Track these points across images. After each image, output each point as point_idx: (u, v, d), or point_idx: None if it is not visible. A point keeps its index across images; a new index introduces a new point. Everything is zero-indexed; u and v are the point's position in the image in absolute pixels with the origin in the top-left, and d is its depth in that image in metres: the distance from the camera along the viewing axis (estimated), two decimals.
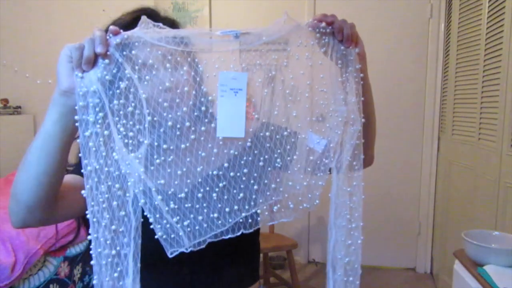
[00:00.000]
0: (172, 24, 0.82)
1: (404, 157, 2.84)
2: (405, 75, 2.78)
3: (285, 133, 0.71)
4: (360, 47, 0.76)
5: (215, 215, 0.65)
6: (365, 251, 2.82)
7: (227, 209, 0.65)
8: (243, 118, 0.64)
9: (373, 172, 2.87)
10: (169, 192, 0.62)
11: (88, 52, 0.59)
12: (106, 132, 0.59)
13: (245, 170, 0.67)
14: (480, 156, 1.95)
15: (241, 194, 0.67)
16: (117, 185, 0.60)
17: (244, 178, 0.67)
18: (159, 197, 0.61)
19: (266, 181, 0.69)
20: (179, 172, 0.63)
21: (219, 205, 0.65)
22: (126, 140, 0.60)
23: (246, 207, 0.67)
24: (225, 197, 0.66)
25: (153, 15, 0.80)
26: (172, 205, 0.62)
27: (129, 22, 0.78)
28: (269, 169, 0.69)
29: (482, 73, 1.93)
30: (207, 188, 0.65)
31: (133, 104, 0.60)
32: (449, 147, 2.47)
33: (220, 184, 0.66)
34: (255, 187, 0.68)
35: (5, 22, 3.01)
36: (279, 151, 0.70)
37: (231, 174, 0.66)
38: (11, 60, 3.02)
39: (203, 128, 0.65)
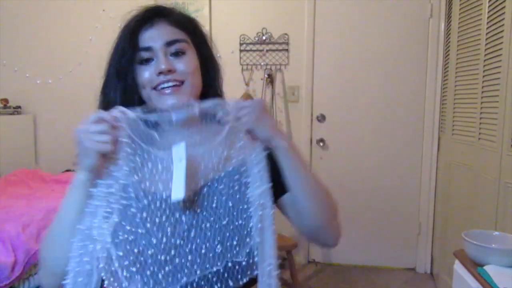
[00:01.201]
0: (188, 20, 0.85)
1: (404, 157, 2.84)
2: (405, 75, 2.78)
3: (224, 222, 0.76)
4: (267, 137, 0.77)
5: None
6: (365, 251, 2.84)
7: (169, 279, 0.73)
8: (184, 181, 0.73)
9: (373, 172, 2.88)
10: (125, 263, 0.71)
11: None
12: (97, 203, 0.73)
13: (190, 257, 0.74)
14: (480, 156, 1.95)
15: (186, 271, 0.74)
16: (91, 246, 0.71)
17: (188, 264, 0.74)
18: (116, 264, 0.71)
19: (207, 265, 0.74)
20: (135, 250, 0.72)
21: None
22: (105, 214, 0.72)
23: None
24: (170, 279, 0.73)
25: (166, 12, 0.82)
26: (125, 273, 0.72)
27: (142, 19, 0.80)
28: (211, 255, 0.75)
29: (482, 73, 1.93)
30: (155, 269, 0.73)
31: (115, 187, 0.73)
32: (449, 147, 2.47)
33: (167, 268, 0.73)
34: (198, 272, 0.74)
35: (5, 22, 3.02)
36: (219, 238, 0.75)
37: (177, 260, 0.73)
38: (11, 60, 3.02)
39: (157, 220, 0.74)
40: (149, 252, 0.73)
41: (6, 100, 2.94)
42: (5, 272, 1.50)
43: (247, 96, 2.90)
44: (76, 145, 0.70)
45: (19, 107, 3.00)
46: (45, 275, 0.78)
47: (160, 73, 0.78)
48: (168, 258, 0.74)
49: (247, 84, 2.93)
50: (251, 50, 2.92)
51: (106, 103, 0.82)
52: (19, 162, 2.86)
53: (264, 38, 2.89)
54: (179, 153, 0.75)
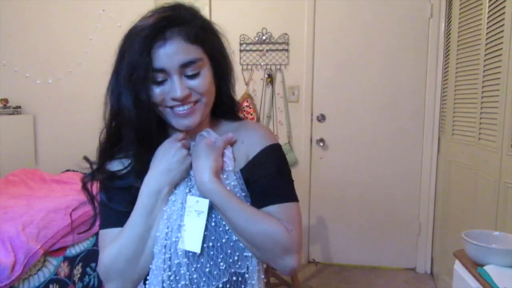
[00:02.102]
0: (202, 29, 0.80)
1: (404, 157, 2.84)
2: (405, 75, 2.78)
3: (223, 240, 0.79)
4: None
5: None
6: (365, 251, 2.84)
7: None
8: (201, 236, 0.76)
9: (374, 172, 2.88)
10: None
11: None
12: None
13: (195, 276, 0.78)
14: (480, 156, 1.95)
15: None
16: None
17: (195, 281, 0.78)
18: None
19: (213, 282, 0.77)
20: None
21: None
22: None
23: None
24: None
25: (179, 21, 0.77)
26: None
27: (154, 31, 0.75)
28: (215, 272, 0.78)
29: (482, 73, 1.93)
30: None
31: None
32: (449, 147, 2.47)
33: (179, 285, 0.78)
34: None
35: (5, 22, 3.01)
36: (221, 256, 0.78)
37: (184, 279, 0.78)
38: (11, 60, 3.02)
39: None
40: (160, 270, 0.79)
41: (6, 100, 2.94)
42: (5, 272, 1.50)
43: (247, 96, 2.90)
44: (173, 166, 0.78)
45: (19, 107, 2.99)
46: (120, 285, 0.79)
47: (175, 99, 0.76)
48: (176, 277, 0.77)
49: (247, 84, 2.93)
50: (251, 50, 2.92)
51: (116, 109, 0.79)
52: (19, 162, 2.86)
53: (264, 38, 2.88)
54: (199, 206, 0.77)
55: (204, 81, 0.78)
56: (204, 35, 0.79)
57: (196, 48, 0.77)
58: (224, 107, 0.89)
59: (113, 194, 0.83)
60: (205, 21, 0.82)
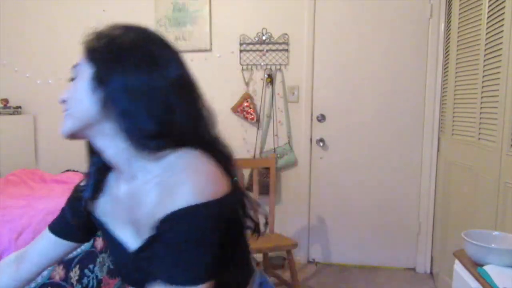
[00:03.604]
0: (98, 40, 0.71)
1: (404, 157, 2.84)
2: (405, 75, 2.78)
3: None
4: None
5: None
6: (365, 251, 2.83)
7: None
8: None
9: (373, 172, 2.88)
10: None
11: None
12: None
13: None
14: (480, 156, 1.95)
15: None
16: None
17: None
18: None
19: None
20: None
21: None
22: None
23: None
24: None
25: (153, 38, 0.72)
26: None
27: (132, 39, 0.70)
28: None
29: (482, 73, 1.93)
30: None
31: None
32: (449, 147, 2.47)
33: None
34: None
35: (5, 22, 3.02)
36: None
37: None
38: (11, 60, 3.02)
39: None
40: None
41: (6, 100, 2.94)
42: None
43: (247, 96, 2.91)
44: None
45: (19, 107, 3.00)
46: None
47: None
48: None
49: (247, 84, 2.93)
50: (251, 50, 2.92)
51: None
52: (19, 162, 2.86)
53: (264, 38, 2.88)
54: None
55: (71, 88, 0.73)
56: (100, 48, 0.70)
57: (84, 57, 0.71)
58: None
59: (71, 200, 0.88)
60: (116, 40, 0.70)
